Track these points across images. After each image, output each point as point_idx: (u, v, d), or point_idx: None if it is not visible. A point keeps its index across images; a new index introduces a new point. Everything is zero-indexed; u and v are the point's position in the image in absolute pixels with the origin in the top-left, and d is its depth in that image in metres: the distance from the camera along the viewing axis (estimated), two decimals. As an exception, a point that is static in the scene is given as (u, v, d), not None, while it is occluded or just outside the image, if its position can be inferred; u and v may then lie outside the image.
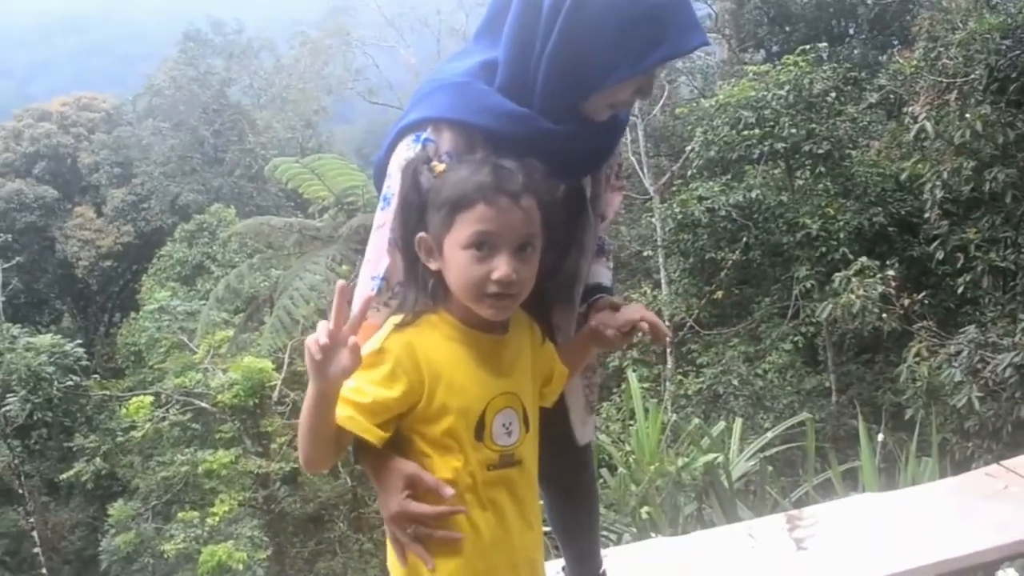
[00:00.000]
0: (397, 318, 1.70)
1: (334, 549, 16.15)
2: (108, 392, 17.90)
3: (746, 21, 17.39)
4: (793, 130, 11.27)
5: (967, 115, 6.71)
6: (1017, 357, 5.95)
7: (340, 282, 1.57)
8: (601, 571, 2.37)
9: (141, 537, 14.57)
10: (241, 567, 12.79)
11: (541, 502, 1.98)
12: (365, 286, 1.81)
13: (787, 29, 16.80)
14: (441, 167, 1.68)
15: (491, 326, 1.71)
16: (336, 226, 13.24)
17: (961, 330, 7.22)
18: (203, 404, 15.15)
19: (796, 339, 11.49)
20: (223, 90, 29.46)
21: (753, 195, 11.66)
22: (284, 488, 16.40)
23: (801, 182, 12.37)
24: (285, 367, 16.31)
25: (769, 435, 7.47)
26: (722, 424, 7.79)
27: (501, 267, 1.63)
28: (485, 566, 1.71)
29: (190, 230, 22.71)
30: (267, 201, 26.97)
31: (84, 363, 16.89)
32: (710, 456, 6.22)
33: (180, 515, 14.08)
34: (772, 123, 11.39)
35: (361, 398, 1.59)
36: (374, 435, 1.62)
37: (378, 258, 1.82)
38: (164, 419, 15.08)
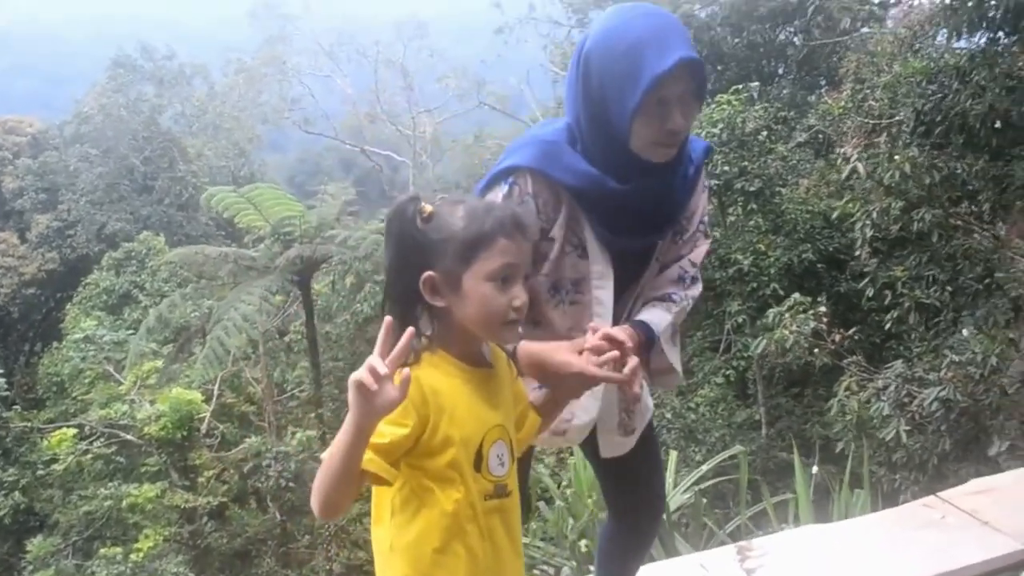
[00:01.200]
0: None
1: (263, 585, 15.82)
2: (29, 424, 17.33)
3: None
4: (726, 167, 11.54)
5: (896, 157, 6.94)
6: (943, 391, 6.14)
7: (388, 317, 1.61)
8: None
9: (61, 574, 14.08)
10: (166, 604, 12.47)
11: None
12: None
13: (719, 68, 17.21)
14: (430, 208, 1.75)
15: (481, 361, 1.80)
16: (272, 256, 13.16)
17: (888, 365, 7.42)
18: (128, 436, 14.79)
19: (728, 373, 11.69)
20: (154, 117, 29.03)
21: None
22: (211, 523, 16.03)
23: (733, 218, 12.64)
24: (215, 399, 16.05)
25: (704, 468, 7.59)
26: (658, 457, 7.87)
27: (520, 295, 1.75)
28: None
29: (118, 258, 22.24)
30: (197, 230, 26.59)
31: (4, 393, 16.38)
32: (648, 489, 6.29)
33: (102, 551, 13.61)
34: (706, 160, 11.62)
35: (379, 439, 1.62)
36: (392, 475, 1.67)
37: None
38: (87, 452, 14.68)
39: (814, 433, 10.41)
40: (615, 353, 1.95)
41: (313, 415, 16.73)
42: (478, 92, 28.01)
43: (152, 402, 14.82)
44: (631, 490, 2.43)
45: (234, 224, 22.07)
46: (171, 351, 16.26)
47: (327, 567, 14.45)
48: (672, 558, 3.58)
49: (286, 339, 19.68)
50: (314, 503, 1.62)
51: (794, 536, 3.24)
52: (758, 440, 11.04)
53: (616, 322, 2.20)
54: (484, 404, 1.79)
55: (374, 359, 1.53)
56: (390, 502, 1.74)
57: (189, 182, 27.10)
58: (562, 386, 1.99)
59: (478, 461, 1.76)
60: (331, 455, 1.57)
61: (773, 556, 2.87)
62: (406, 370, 1.56)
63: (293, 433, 16.47)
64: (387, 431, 1.61)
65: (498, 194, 2.11)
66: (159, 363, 15.88)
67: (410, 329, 1.60)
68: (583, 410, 2.22)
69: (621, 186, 2.11)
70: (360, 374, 1.51)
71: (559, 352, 1.98)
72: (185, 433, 14.38)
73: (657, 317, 2.24)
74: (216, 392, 16.28)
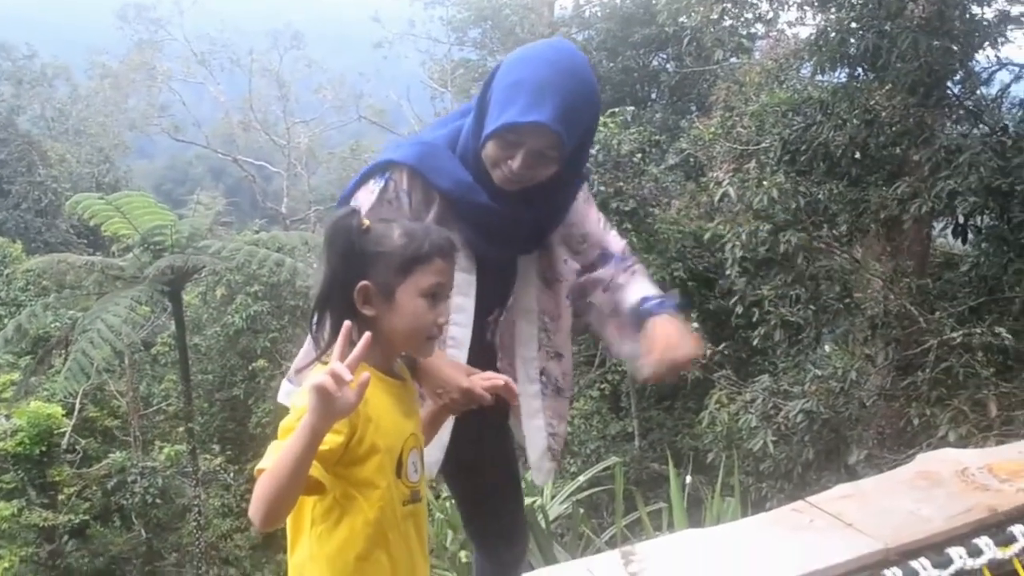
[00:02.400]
0: (318, 362, 1.81)
1: (127, 606, 15.26)
2: None
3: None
4: (603, 187, 11.83)
5: (764, 183, 7.32)
6: (807, 404, 6.49)
7: (346, 323, 1.67)
8: None
9: (-94, 600, 13.23)
10: (23, 628, 11.89)
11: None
12: None
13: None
14: (367, 223, 1.84)
15: (395, 373, 1.87)
16: (141, 266, 12.74)
17: (755, 379, 7.79)
18: (-18, 453, 14.03)
19: (603, 387, 11.97)
20: (11, 118, 27.75)
21: (564, 247, 12.12)
22: (72, 542, 15.36)
23: (608, 237, 12.97)
24: (76, 413, 15.41)
25: (581, 479, 7.77)
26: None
27: (444, 314, 1.87)
28: None
29: (-30, 265, 21.10)
30: (57, 237, 25.48)
31: None
32: (528, 500, 6.41)
33: (-48, 574, 12.93)
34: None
35: (321, 446, 1.63)
36: (329, 482, 1.70)
37: None
38: (-64, 470, 13.86)
39: (685, 444, 10.78)
40: (501, 382, 2.10)
41: (182, 429, 16.23)
42: (356, 105, 27.83)
43: (8, 416, 14.10)
44: (490, 522, 2.48)
45: (97, 232, 21.23)
46: (30, 363, 15.54)
47: (196, 585, 14.04)
48: (558, 564, 3.69)
49: (152, 351, 19.08)
50: (258, 514, 1.60)
51: (674, 540, 3.37)
52: (631, 451, 11.34)
53: (480, 332, 2.31)
54: (401, 414, 1.86)
55: (336, 364, 1.57)
56: (309, 513, 1.75)
57: (49, 187, 25.97)
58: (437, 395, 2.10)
59: (399, 468, 1.82)
60: (280, 463, 1.57)
61: (655, 559, 2.99)
62: (364, 375, 1.59)
63: (160, 448, 15.99)
64: (328, 438, 1.65)
65: (373, 188, 2.19)
66: (16, 376, 15.16)
67: (367, 334, 1.65)
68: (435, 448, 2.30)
69: (490, 201, 2.20)
70: (322, 379, 1.55)
71: (453, 369, 2.11)
72: (44, 448, 13.72)
73: (641, 290, 2.38)
74: (78, 406, 15.63)
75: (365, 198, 2.20)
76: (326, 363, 1.79)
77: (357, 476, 1.75)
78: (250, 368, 18.18)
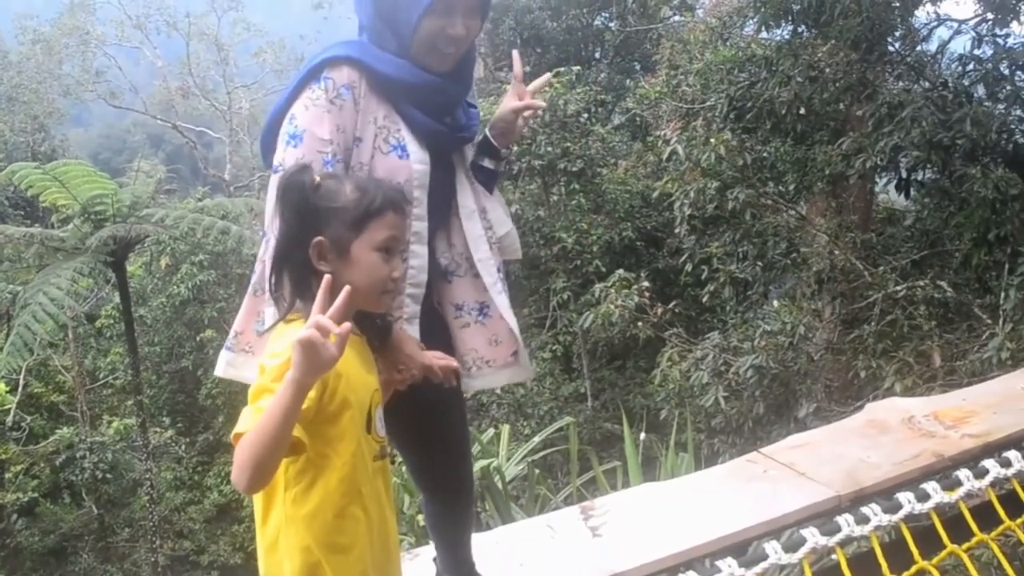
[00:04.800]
0: (282, 321, 1.80)
1: (79, 582, 15.12)
2: None
3: (501, 41, 18.01)
4: (549, 148, 11.83)
5: (711, 140, 7.36)
6: (756, 359, 6.59)
7: (327, 276, 1.66)
8: (472, 564, 2.51)
9: None
10: (-27, 609, 11.74)
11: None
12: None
13: (539, 51, 17.54)
14: (318, 179, 1.83)
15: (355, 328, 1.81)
16: (83, 237, 12.46)
17: (705, 336, 7.88)
18: (-79, 431, 13.76)
19: (554, 348, 12.05)
20: (-62, 87, 26.84)
21: (513, 209, 12.12)
22: (21, 520, 15.17)
23: (556, 198, 13.00)
24: (20, 389, 15.15)
25: (536, 439, 7.84)
26: (491, 431, 8.08)
27: (399, 267, 1.89)
28: (371, 552, 1.81)
29: (-100, 240, 20.48)
30: (-9, 209, 24.79)
31: None
32: (485, 462, 6.46)
33: None
34: (530, 141, 11.90)
35: None
36: (306, 441, 1.68)
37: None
38: None
39: (637, 403, 10.91)
40: (454, 364, 2.15)
41: (131, 402, 16.01)
42: (298, 67, 27.32)
43: (-52, 394, 13.84)
44: (434, 471, 2.44)
45: (35, 203, 20.75)
46: (-29, 340, 15.20)
47: (151, 559, 13.91)
48: (519, 521, 3.73)
49: (97, 324, 18.76)
50: (243, 477, 1.58)
51: (632, 495, 3.44)
52: (584, 412, 11.45)
53: (434, 260, 2.29)
54: (364, 369, 1.86)
55: (320, 317, 1.57)
56: (283, 476, 1.73)
57: (-19, 157, 25.22)
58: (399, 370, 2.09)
59: (368, 423, 1.82)
60: (265, 423, 1.55)
61: (614, 514, 3.04)
62: (345, 325, 1.58)
63: (109, 422, 15.81)
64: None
65: (312, 94, 2.10)
66: (-45, 353, 14.81)
67: (347, 287, 1.64)
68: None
69: (426, 73, 2.20)
70: (308, 332, 1.54)
71: (414, 346, 2.12)
72: (-13, 426, 13.53)
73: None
74: (22, 382, 15.36)
75: (307, 114, 2.09)
76: (290, 321, 1.79)
77: (330, 433, 1.74)
78: (198, 339, 17.98)
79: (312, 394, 1.62)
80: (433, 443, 2.34)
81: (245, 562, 16.29)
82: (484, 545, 2.65)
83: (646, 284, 7.55)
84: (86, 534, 15.75)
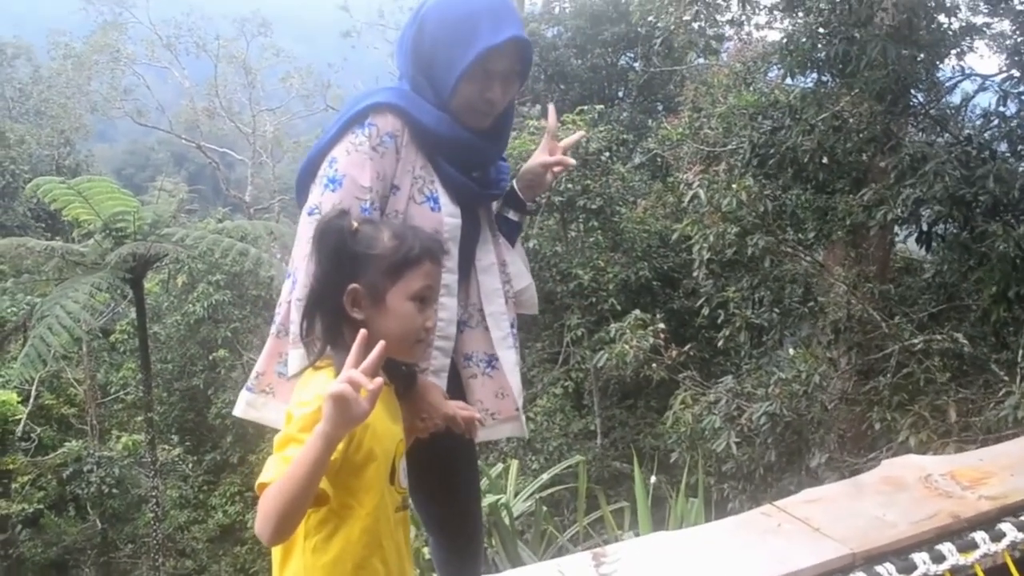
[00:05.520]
0: (310, 367, 1.79)
1: (80, 597, 15.11)
2: None
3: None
4: (569, 185, 11.87)
5: (733, 185, 7.38)
6: (770, 406, 6.55)
7: (363, 331, 1.64)
8: None
9: None
10: (-27, 618, 11.73)
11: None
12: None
13: (562, 87, 17.65)
14: (356, 224, 1.82)
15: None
16: (103, 252, 12.57)
17: (719, 380, 7.85)
18: (-68, 439, 13.82)
19: (566, 384, 12.01)
20: (-32, 99, 27.24)
21: (530, 244, 12.16)
22: (25, 531, 15.19)
23: (574, 234, 13.02)
24: (32, 400, 15.21)
25: (545, 477, 7.80)
26: (500, 466, 8.05)
27: (432, 317, 1.87)
28: None
29: (-77, 247, 20.66)
30: (13, 221, 24.92)
31: None
32: (492, 498, 6.42)
33: (-101, 562, 12.73)
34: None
35: None
36: (330, 492, 1.67)
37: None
38: None
39: (647, 444, 10.85)
40: (478, 415, 2.18)
41: (140, 418, 16.03)
42: (323, 95, 27.60)
43: (-39, 402, 13.91)
44: (445, 516, 2.45)
45: (57, 217, 20.90)
46: (-13, 349, 15.32)
47: (152, 577, 13.89)
48: (529, 565, 3.71)
49: (111, 339, 18.84)
50: (267, 528, 1.57)
51: (644, 543, 3.41)
52: (593, 450, 11.39)
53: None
54: (390, 418, 1.84)
55: (353, 371, 1.55)
56: (304, 524, 1.70)
57: (7, 169, 25.40)
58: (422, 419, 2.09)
59: (391, 474, 1.80)
60: (292, 475, 1.54)
61: (625, 562, 3.02)
62: (378, 380, 1.57)
63: (118, 437, 15.83)
64: None
65: (355, 139, 2.10)
66: (-31, 361, 14.94)
67: (382, 343, 1.61)
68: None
69: (465, 131, 2.22)
70: (341, 387, 1.53)
71: (438, 394, 2.12)
72: (-3, 436, 13.58)
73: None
74: (34, 393, 15.43)
75: (348, 159, 2.09)
76: (319, 368, 1.78)
77: (354, 484, 1.72)
78: (211, 358, 18.00)
79: (339, 446, 1.60)
80: (446, 489, 2.35)
81: (246, 585, 16.24)
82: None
83: (662, 326, 7.53)
84: (89, 548, 15.73)
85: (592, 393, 12.20)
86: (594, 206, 11.97)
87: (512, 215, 2.42)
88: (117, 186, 13.35)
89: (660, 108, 18.00)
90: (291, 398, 1.79)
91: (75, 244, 14.29)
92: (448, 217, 2.19)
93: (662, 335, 7.50)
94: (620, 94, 18.85)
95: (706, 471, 7.30)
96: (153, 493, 13.73)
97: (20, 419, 14.33)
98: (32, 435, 15.33)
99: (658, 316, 8.27)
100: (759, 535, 3.16)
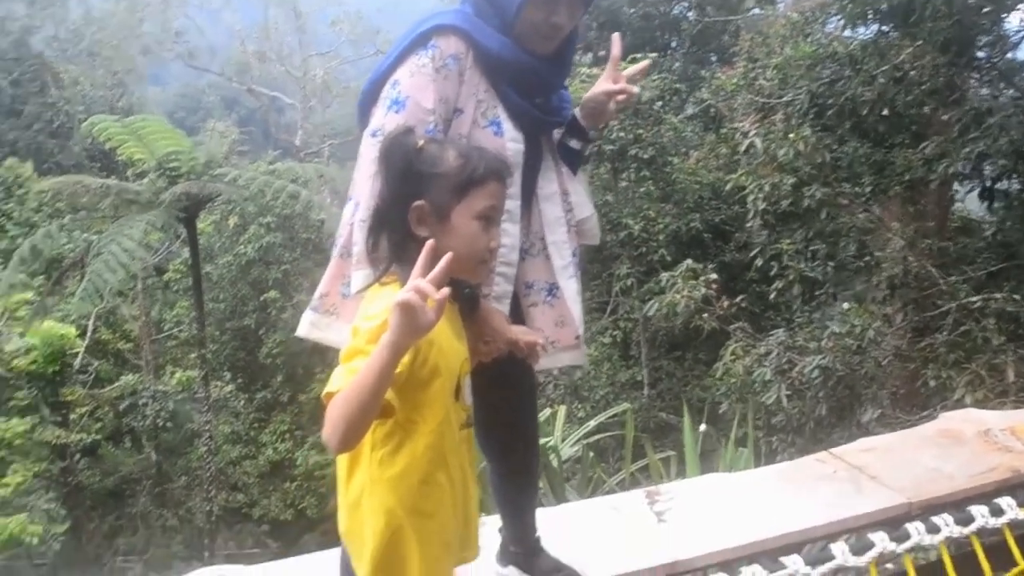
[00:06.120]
0: (376, 284, 1.81)
1: (136, 524, 15.60)
2: None
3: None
4: (622, 134, 11.77)
5: (791, 135, 7.28)
6: (823, 360, 6.53)
7: (430, 241, 1.65)
8: (536, 535, 2.54)
9: (-79, 508, 13.52)
10: (36, 541, 12.18)
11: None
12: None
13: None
14: (421, 143, 1.83)
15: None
16: (157, 191, 12.78)
17: (770, 333, 7.83)
18: (-5, 369, 14.24)
19: (615, 333, 12.03)
20: (24, 38, 27.49)
21: (581, 191, 12.08)
22: (83, 460, 15.67)
23: (625, 184, 12.94)
24: (89, 335, 15.58)
25: (592, 423, 7.86)
26: (547, 411, 8.12)
27: (496, 238, 1.87)
28: (453, 519, 1.84)
29: (-18, 184, 21.10)
30: (69, 160, 25.36)
31: None
32: (541, 440, 6.50)
33: (-33, 484, 13.18)
34: (603, 126, 11.82)
35: None
36: (396, 404, 1.69)
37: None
38: (-51, 382, 14.06)
39: (694, 395, 10.86)
40: (541, 340, 2.17)
41: (194, 355, 16.39)
42: (373, 40, 27.50)
43: (22, 335, 14.28)
44: (505, 440, 2.45)
45: (111, 156, 21.19)
46: (44, 284, 15.66)
47: (205, 508, 14.27)
48: (585, 500, 3.78)
49: (164, 278, 19.18)
50: (334, 436, 1.60)
51: (698, 483, 3.46)
52: (640, 400, 11.43)
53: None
54: (455, 337, 1.87)
55: (420, 281, 1.57)
56: (369, 437, 1.74)
57: (62, 109, 25.81)
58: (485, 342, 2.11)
59: (456, 391, 1.83)
60: (359, 383, 1.57)
61: (680, 501, 3.06)
62: (444, 290, 1.58)
63: (172, 373, 16.18)
64: None
65: (419, 61, 2.10)
66: (29, 295, 15.29)
67: (449, 254, 1.63)
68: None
69: (527, 56, 2.20)
70: (407, 295, 1.55)
71: (502, 320, 2.14)
72: (57, 368, 13.96)
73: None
74: (91, 328, 15.80)
75: (411, 80, 2.08)
76: (385, 284, 1.81)
77: (420, 398, 1.75)
78: (261, 299, 18.26)
79: (405, 359, 1.62)
80: (506, 415, 2.36)
81: (295, 519, 16.60)
82: (548, 520, 2.67)
83: (714, 276, 7.50)
84: (144, 479, 16.19)
85: (640, 343, 12.21)
86: (646, 156, 11.87)
87: (574, 143, 2.41)
88: (170, 126, 13.50)
89: (714, 59, 17.70)
90: (356, 315, 1.81)
91: (130, 183, 14.51)
92: (511, 142, 2.19)
93: (714, 286, 7.47)
94: (673, 44, 18.54)
95: (755, 424, 7.32)
96: (206, 428, 14.09)
97: (78, 353, 14.71)
98: (89, 368, 15.73)
99: (709, 268, 8.24)
100: (814, 480, 3.18)
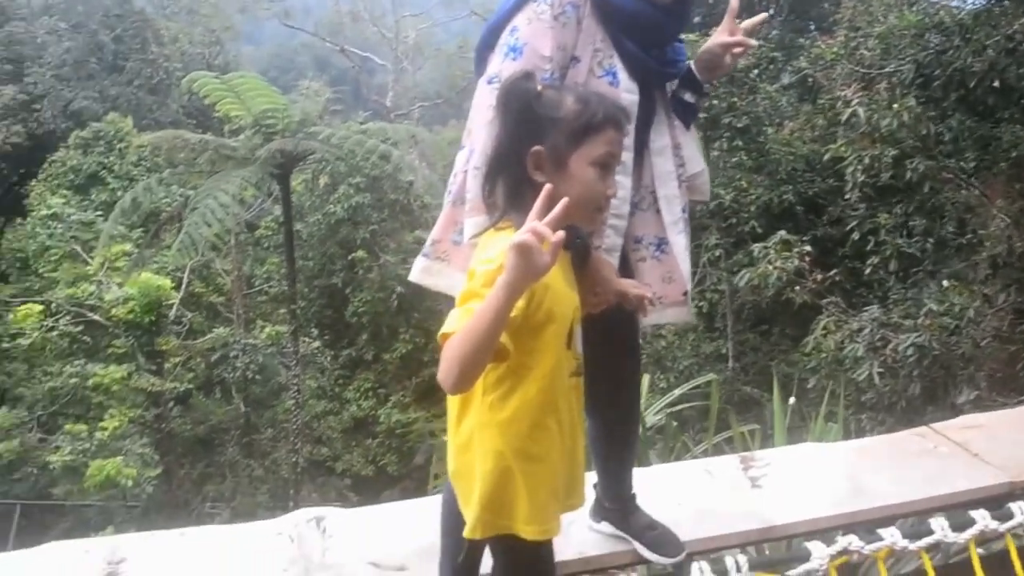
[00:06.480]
0: (492, 228, 1.82)
1: (224, 472, 16.11)
2: (-4, 296, 17.23)
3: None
4: (715, 101, 11.55)
5: (895, 106, 7.06)
6: (919, 338, 6.37)
7: (548, 185, 1.65)
8: (632, 493, 2.55)
9: (25, 447, 14.18)
10: (130, 483, 12.68)
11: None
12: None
13: (709, 3, 17.07)
14: (540, 88, 1.83)
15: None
16: (253, 148, 13.03)
17: (863, 308, 7.66)
18: (95, 317, 14.80)
19: (700, 304, 11.89)
20: (128, -5, 28.14)
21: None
22: (176, 408, 16.22)
23: (717, 153, 12.72)
24: (184, 287, 16.06)
25: (677, 392, 7.81)
26: (631, 378, 8.09)
27: (613, 186, 1.86)
28: (561, 465, 1.85)
29: (85, 138, 21.73)
30: (167, 116, 25.98)
31: (-31, 264, 16.26)
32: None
33: (67, 427, 13.77)
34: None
35: None
36: (510, 347, 1.69)
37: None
38: (53, 329, 14.66)
39: (780, 371, 10.69)
40: (649, 293, 2.16)
41: (283, 311, 16.76)
42: (467, 1, 27.45)
43: (120, 285, 14.80)
44: (607, 393, 2.41)
45: (207, 113, 21.68)
46: (142, 236, 16.16)
47: (291, 460, 14.66)
48: (678, 462, 3.78)
49: (256, 234, 19.62)
50: (449, 377, 1.62)
51: (793, 451, 3.41)
52: (724, 372, 11.31)
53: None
54: (568, 285, 1.87)
55: (537, 223, 1.57)
56: (481, 381, 1.75)
57: (161, 66, 26.40)
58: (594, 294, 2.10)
59: (568, 338, 1.83)
60: (475, 324, 1.58)
61: (775, 467, 3.04)
62: (560, 233, 1.58)
63: (262, 327, 16.60)
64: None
65: (537, 8, 2.08)
66: (128, 247, 15.80)
67: (566, 198, 1.62)
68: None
69: (646, 4, 2.18)
70: (522, 237, 1.55)
71: (611, 271, 2.14)
72: (153, 318, 14.43)
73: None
74: (186, 280, 16.29)
75: (529, 27, 2.07)
76: (501, 229, 1.81)
77: (532, 344, 1.75)
78: (349, 258, 18.57)
79: (520, 303, 1.62)
80: (610, 366, 2.33)
81: (376, 475, 16.96)
82: (642, 480, 2.66)
83: (808, 248, 7.35)
84: (232, 428, 16.69)
85: (726, 315, 12.06)
86: (740, 125, 11.63)
87: (688, 97, 2.38)
88: (267, 84, 13.71)
89: (812, 27, 17.23)
90: (471, 260, 1.82)
91: (226, 139, 14.83)
92: (626, 93, 2.17)
93: (807, 258, 7.33)
94: (771, 11, 18.10)
95: (844, 401, 7.19)
96: (294, 381, 14.42)
97: (173, 304, 15.18)
98: (183, 320, 16.24)
99: (803, 241, 8.07)
100: (913, 455, 3.12)
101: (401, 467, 17.02)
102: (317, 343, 17.39)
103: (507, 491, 1.79)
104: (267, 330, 16.20)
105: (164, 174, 15.24)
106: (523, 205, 1.72)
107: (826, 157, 8.03)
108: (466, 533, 1.84)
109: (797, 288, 7.33)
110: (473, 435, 1.82)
